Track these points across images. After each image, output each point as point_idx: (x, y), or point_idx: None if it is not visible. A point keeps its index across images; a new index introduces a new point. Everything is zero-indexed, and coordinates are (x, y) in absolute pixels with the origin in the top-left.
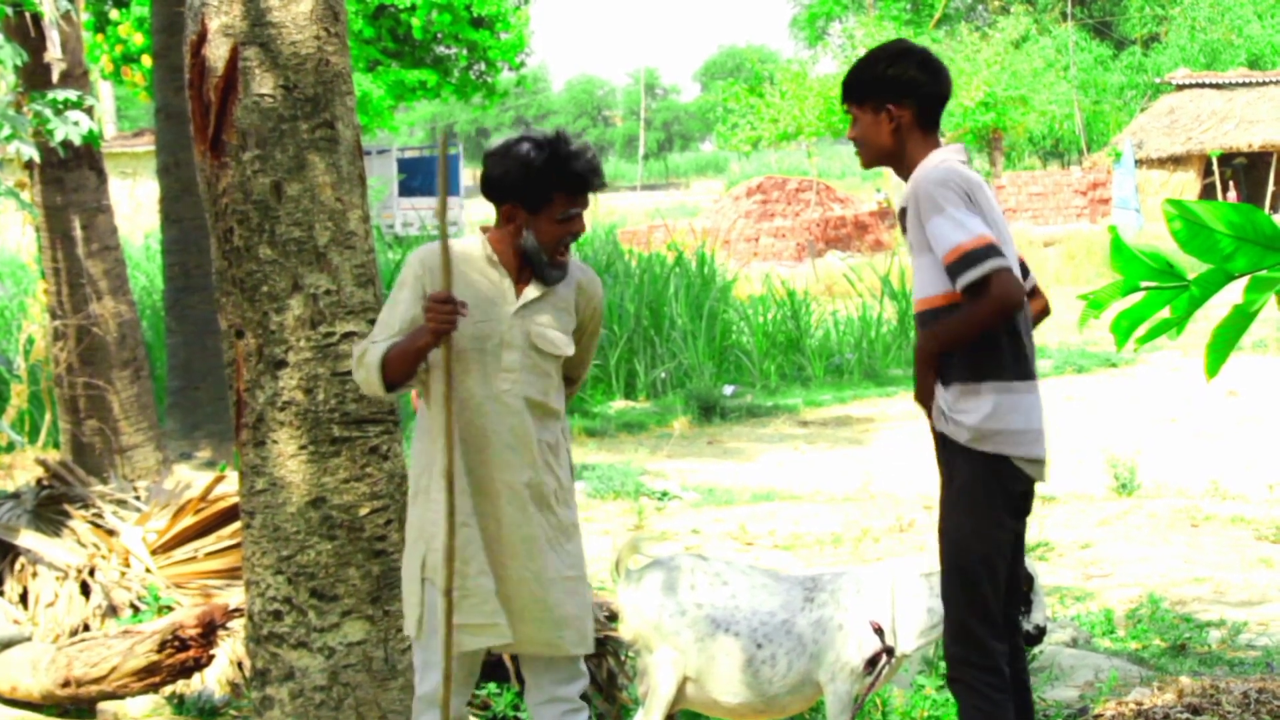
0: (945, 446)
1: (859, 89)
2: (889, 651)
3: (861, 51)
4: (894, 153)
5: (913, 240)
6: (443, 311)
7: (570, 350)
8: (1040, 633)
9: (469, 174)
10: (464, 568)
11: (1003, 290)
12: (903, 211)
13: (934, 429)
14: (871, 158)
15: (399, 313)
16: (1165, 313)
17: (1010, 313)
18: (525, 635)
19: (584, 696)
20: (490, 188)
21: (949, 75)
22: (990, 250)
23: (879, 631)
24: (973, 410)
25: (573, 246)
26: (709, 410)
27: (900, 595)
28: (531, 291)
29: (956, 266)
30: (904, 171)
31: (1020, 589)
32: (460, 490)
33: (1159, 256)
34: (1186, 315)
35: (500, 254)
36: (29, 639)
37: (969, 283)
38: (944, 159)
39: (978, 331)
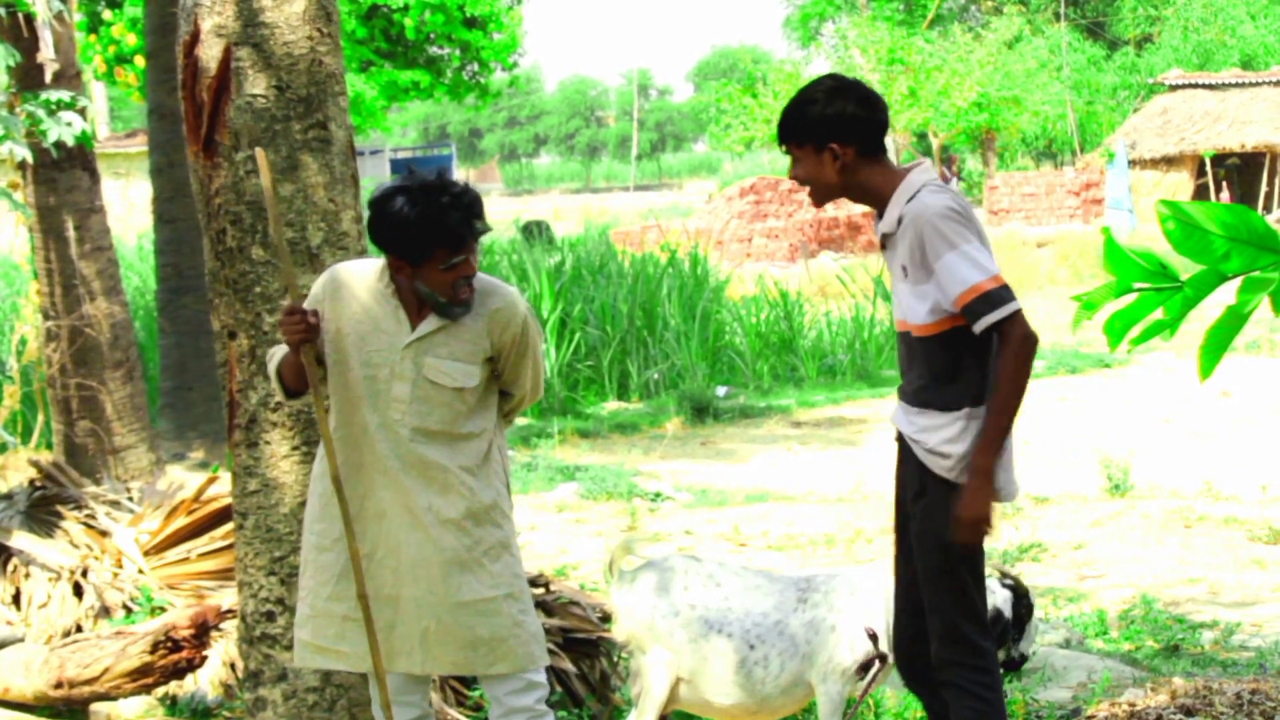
0: (918, 466)
1: (798, 130)
2: (881, 658)
3: (855, 52)
4: (845, 188)
5: (906, 265)
6: (291, 323)
7: (471, 382)
8: (1023, 659)
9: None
10: (320, 589)
11: (1024, 331)
12: (885, 236)
13: (898, 438)
14: (822, 196)
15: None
16: (1158, 314)
17: (1034, 352)
18: (433, 655)
19: (557, 704)
20: (372, 239)
21: (885, 104)
22: (1007, 291)
23: (873, 637)
24: (956, 441)
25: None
26: (702, 411)
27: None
28: (427, 325)
29: (976, 306)
30: (863, 199)
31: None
32: (335, 513)
33: (1152, 257)
34: (1180, 316)
35: (398, 284)
36: (21, 640)
37: (989, 325)
38: (930, 185)
39: (1023, 388)
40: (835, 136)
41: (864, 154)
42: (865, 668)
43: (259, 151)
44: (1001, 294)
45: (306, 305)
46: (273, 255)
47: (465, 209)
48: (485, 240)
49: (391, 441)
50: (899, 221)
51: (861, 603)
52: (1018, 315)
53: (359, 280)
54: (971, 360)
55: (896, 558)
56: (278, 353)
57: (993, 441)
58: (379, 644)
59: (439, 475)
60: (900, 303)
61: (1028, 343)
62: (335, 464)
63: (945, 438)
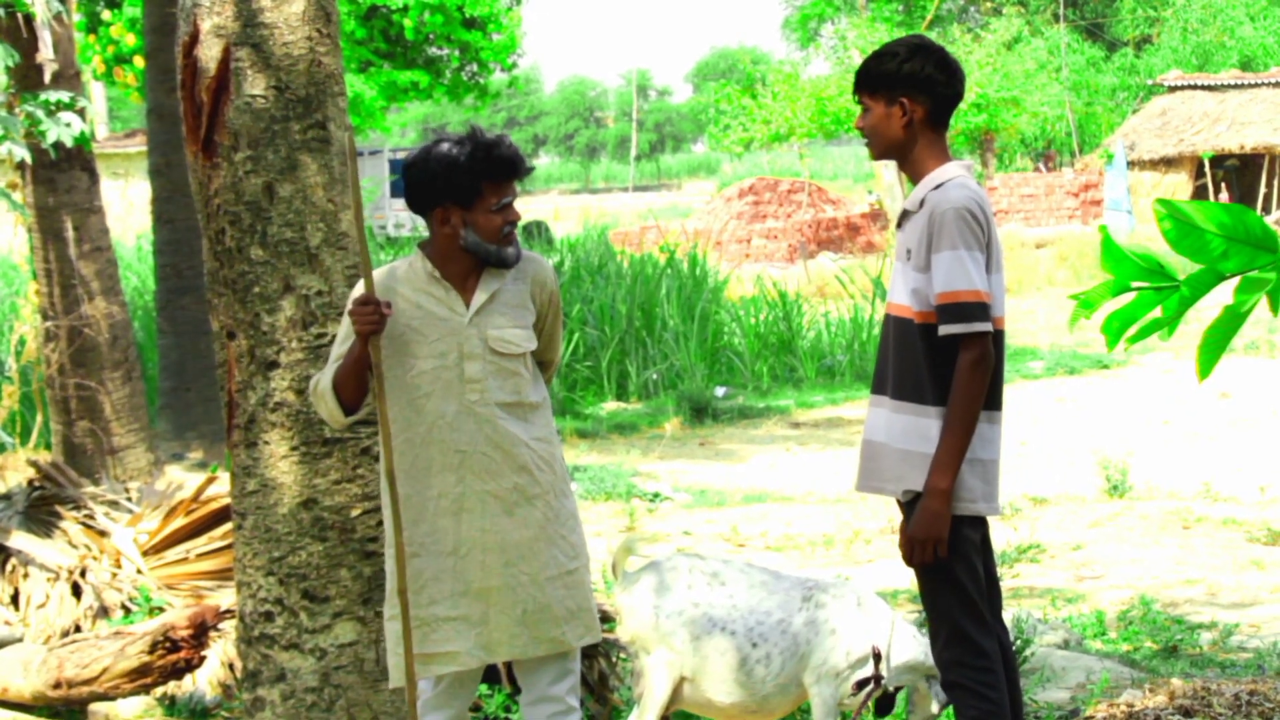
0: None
1: (874, 80)
2: (877, 680)
3: (854, 53)
4: (904, 147)
5: (913, 249)
6: (364, 313)
7: (533, 345)
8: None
9: None
10: (416, 597)
11: (981, 352)
12: (905, 214)
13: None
14: (881, 150)
15: (340, 338)
16: (1156, 313)
17: (987, 375)
18: (535, 636)
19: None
20: (418, 196)
21: (964, 76)
22: (980, 310)
23: (877, 657)
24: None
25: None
26: (701, 411)
27: (899, 632)
28: (480, 297)
29: (947, 311)
30: (910, 168)
31: (998, 584)
32: (415, 518)
33: (1150, 257)
34: (1177, 315)
35: (441, 267)
36: (20, 640)
37: (950, 334)
38: (963, 179)
39: (974, 408)
40: (908, 92)
41: (931, 120)
42: (862, 684)
43: (347, 137)
44: (974, 310)
45: (346, 317)
46: (270, 255)
47: (508, 146)
48: None
49: (472, 427)
50: (920, 204)
51: (867, 615)
52: (982, 337)
53: (399, 279)
54: (952, 357)
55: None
56: (329, 371)
57: (947, 462)
58: (470, 642)
59: (520, 452)
60: (898, 286)
61: (982, 363)
62: (391, 459)
63: (927, 434)
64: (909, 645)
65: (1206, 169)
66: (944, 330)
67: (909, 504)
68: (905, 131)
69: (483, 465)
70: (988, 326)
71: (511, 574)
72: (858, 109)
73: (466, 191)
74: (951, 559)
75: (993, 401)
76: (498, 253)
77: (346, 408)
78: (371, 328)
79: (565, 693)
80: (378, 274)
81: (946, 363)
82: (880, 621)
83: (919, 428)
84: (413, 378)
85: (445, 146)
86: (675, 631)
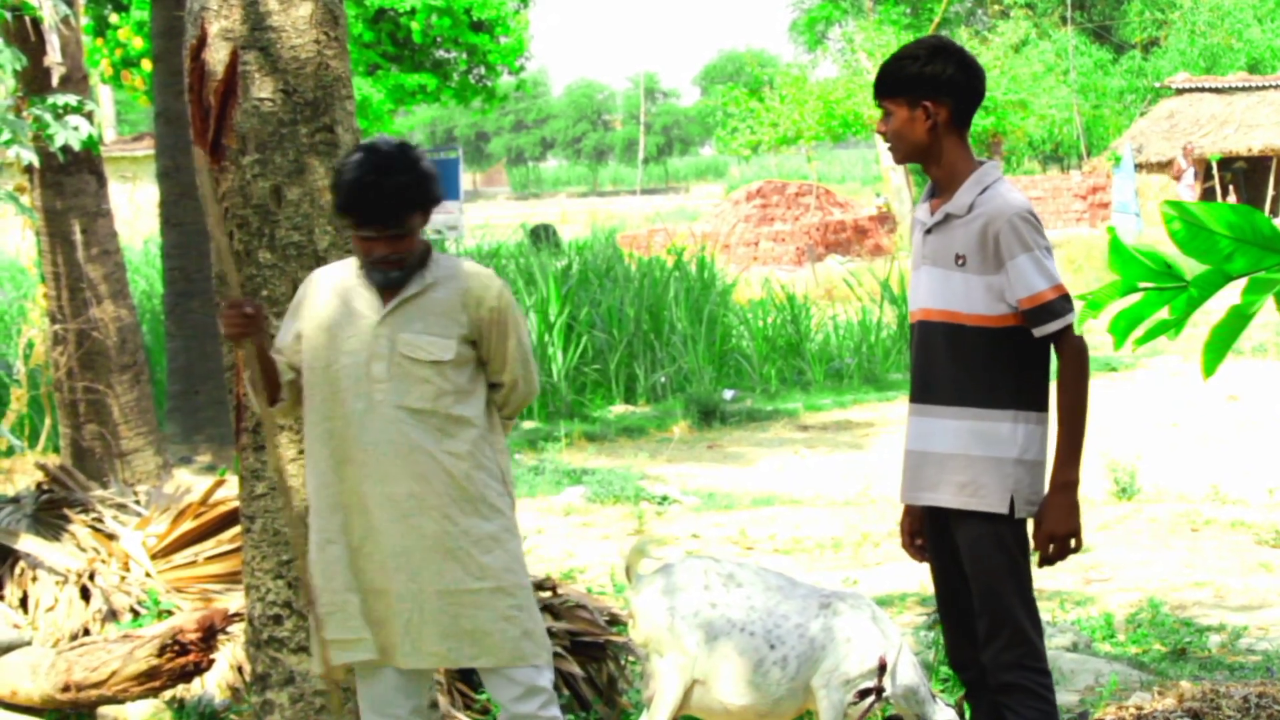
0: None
1: (896, 84)
2: (879, 691)
3: (861, 56)
4: (928, 150)
5: (967, 254)
6: (229, 317)
7: (446, 355)
8: None
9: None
10: (330, 583)
11: (1079, 343)
12: (948, 217)
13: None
14: (905, 154)
15: (281, 333)
16: (1164, 313)
17: (1088, 359)
18: (417, 647)
19: (565, 708)
20: None
21: (984, 75)
22: (1067, 302)
23: (882, 668)
24: (1008, 443)
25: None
26: (709, 415)
27: (905, 654)
28: (395, 300)
29: (1038, 313)
30: (939, 171)
31: None
32: (331, 506)
33: (1157, 257)
34: (1185, 315)
35: (366, 269)
36: (28, 643)
37: (1050, 333)
38: (1007, 181)
39: (1086, 395)
40: (930, 94)
41: (954, 121)
42: (864, 694)
43: (195, 150)
44: (1063, 305)
45: (289, 312)
46: (278, 259)
47: (351, 190)
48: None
49: (377, 427)
50: (969, 208)
51: (881, 630)
52: (1072, 328)
53: (332, 276)
54: (1015, 359)
55: (935, 571)
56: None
57: (1072, 453)
58: (372, 638)
59: (423, 461)
60: (941, 291)
61: (1083, 353)
62: (277, 456)
63: (996, 438)
64: (910, 670)
65: (1215, 171)
66: (1040, 332)
67: (961, 513)
68: (929, 134)
69: (382, 467)
70: (1074, 315)
71: (403, 579)
72: (865, 112)
73: (335, 209)
74: (1019, 560)
75: (1045, 403)
76: (368, 274)
77: (268, 398)
78: (236, 331)
79: (538, 708)
80: (320, 268)
81: (1019, 363)
82: (891, 639)
83: (987, 431)
84: (334, 371)
85: (349, 158)
86: (688, 634)
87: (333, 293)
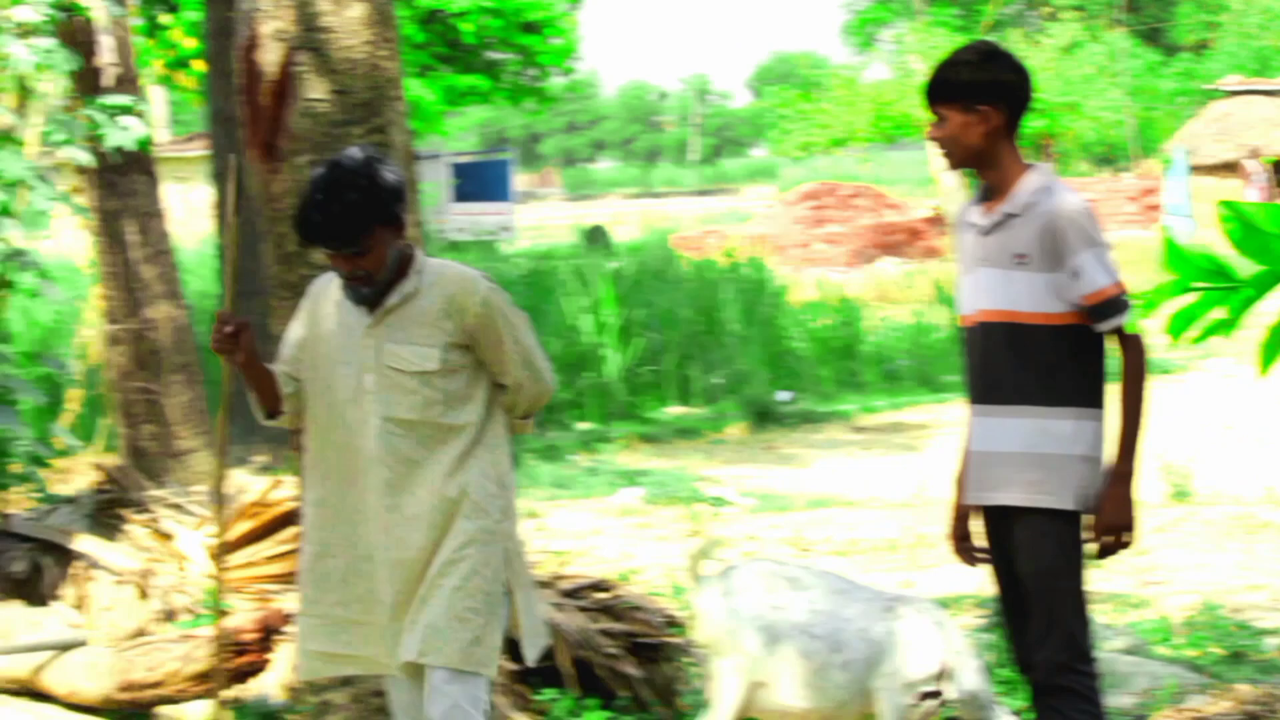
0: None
1: (949, 89)
2: (936, 694)
3: (912, 58)
4: (983, 155)
5: (1027, 253)
6: (215, 333)
7: (430, 365)
8: None
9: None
10: (325, 596)
11: (1142, 338)
12: (1008, 216)
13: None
14: (960, 159)
15: (283, 345)
16: (1219, 313)
17: (1146, 353)
18: (394, 653)
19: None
20: None
21: (1032, 78)
22: (1128, 299)
23: (943, 674)
24: (1074, 440)
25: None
26: (764, 416)
27: (968, 660)
28: (380, 311)
29: (1103, 309)
30: (993, 175)
31: None
32: (333, 519)
33: (1212, 257)
34: (1240, 314)
35: None
36: (85, 643)
37: (1113, 328)
38: (1057, 179)
39: (1145, 390)
40: (986, 98)
41: (1008, 125)
42: (925, 696)
43: (231, 159)
44: (1126, 300)
45: (295, 317)
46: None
47: (335, 214)
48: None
49: (371, 438)
50: (1030, 207)
51: (944, 636)
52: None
53: (332, 286)
54: (1075, 356)
55: (998, 572)
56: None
57: (1130, 445)
58: (374, 648)
59: (413, 473)
60: (1000, 292)
61: (1144, 348)
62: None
63: (1060, 435)
64: (974, 676)
65: (1270, 174)
66: (1103, 327)
67: (1024, 511)
68: (985, 139)
69: (376, 478)
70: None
71: (390, 593)
72: (917, 114)
73: None
74: (1076, 560)
75: (1103, 400)
76: (346, 289)
77: (267, 411)
78: (221, 348)
79: (439, 715)
80: (325, 278)
81: (1079, 360)
82: (955, 645)
83: (1051, 429)
84: (332, 383)
85: (313, 174)
86: (751, 635)
87: (330, 304)
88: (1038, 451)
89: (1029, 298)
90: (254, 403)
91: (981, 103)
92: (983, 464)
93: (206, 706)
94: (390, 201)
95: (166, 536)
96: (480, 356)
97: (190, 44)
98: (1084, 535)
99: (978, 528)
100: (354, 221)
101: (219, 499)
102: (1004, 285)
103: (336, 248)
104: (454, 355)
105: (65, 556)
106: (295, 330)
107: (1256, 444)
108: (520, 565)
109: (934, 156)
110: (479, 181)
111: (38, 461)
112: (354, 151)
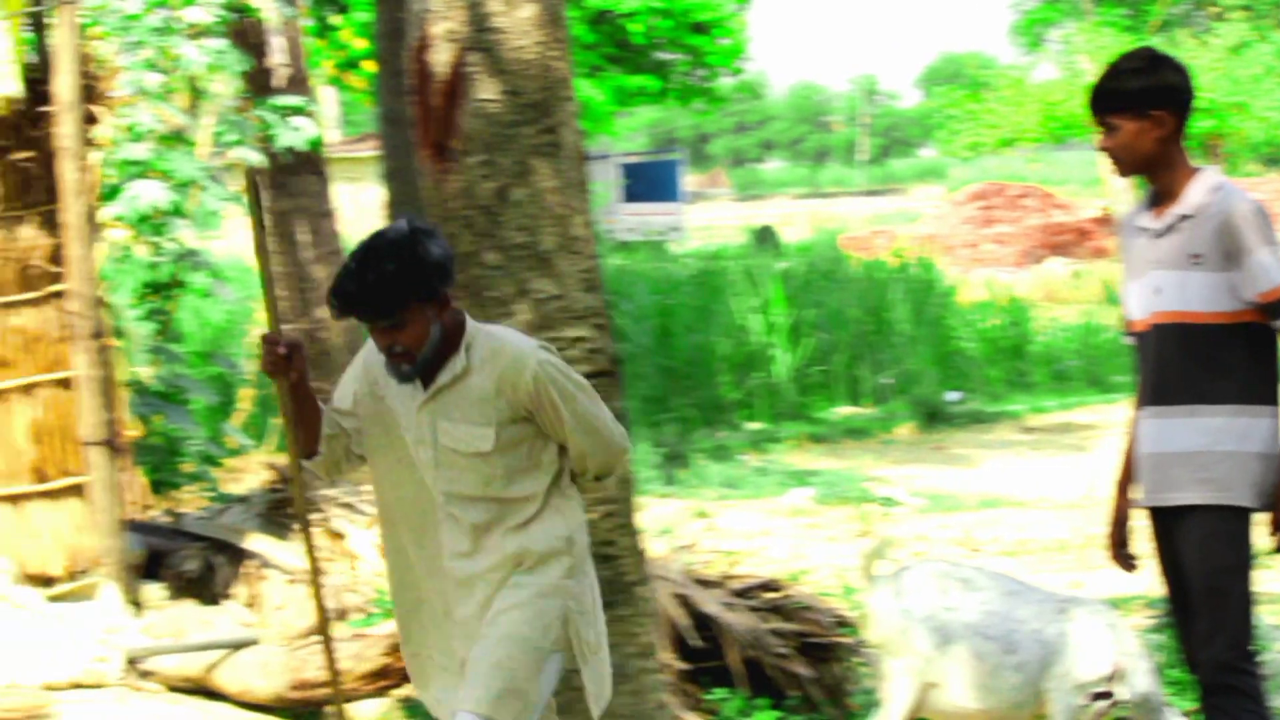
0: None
1: (1120, 97)
2: (1107, 695)
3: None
4: (1157, 160)
5: (1202, 253)
6: (264, 351)
7: (485, 446)
8: None
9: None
10: (424, 636)
11: None
12: (1182, 219)
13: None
14: (1133, 166)
15: (340, 385)
16: None
17: None
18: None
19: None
20: None
21: (1193, 80)
22: None
23: (1115, 675)
24: (1245, 438)
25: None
26: (933, 416)
27: (1142, 662)
28: (434, 387)
29: (1278, 307)
30: (1165, 179)
31: None
32: (404, 565)
33: None
34: None
35: None
36: (258, 642)
37: None
38: (1227, 179)
39: None
40: (1157, 104)
41: (1178, 128)
42: (1096, 698)
43: (246, 172)
44: None
45: (351, 368)
46: (504, 260)
47: (369, 285)
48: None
49: (439, 506)
50: (1204, 208)
51: (1116, 638)
52: None
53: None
54: (1250, 354)
55: (1167, 573)
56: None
57: None
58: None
59: (478, 536)
60: (1176, 293)
61: None
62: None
63: (1235, 433)
64: (1146, 678)
65: None
66: (1278, 324)
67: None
68: (1158, 144)
69: (443, 537)
70: None
71: (465, 649)
72: (1085, 116)
73: None
74: (1247, 559)
75: (1275, 397)
76: (388, 366)
77: (304, 451)
78: (270, 367)
79: None
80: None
81: (1252, 358)
82: (1127, 647)
83: (1226, 427)
84: (394, 444)
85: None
86: (924, 636)
87: (386, 366)
88: (1213, 450)
89: (1204, 298)
90: (290, 439)
91: (1153, 108)
92: (1157, 465)
93: (379, 705)
94: (432, 276)
95: (338, 536)
96: (541, 427)
97: (360, 45)
98: (1259, 532)
99: (1136, 533)
100: (390, 293)
101: (306, 520)
102: (1179, 286)
103: (369, 319)
104: (512, 430)
105: (237, 556)
106: (351, 383)
107: None
108: (585, 626)
109: (1101, 159)
110: (648, 182)
111: (210, 461)
112: (401, 223)
